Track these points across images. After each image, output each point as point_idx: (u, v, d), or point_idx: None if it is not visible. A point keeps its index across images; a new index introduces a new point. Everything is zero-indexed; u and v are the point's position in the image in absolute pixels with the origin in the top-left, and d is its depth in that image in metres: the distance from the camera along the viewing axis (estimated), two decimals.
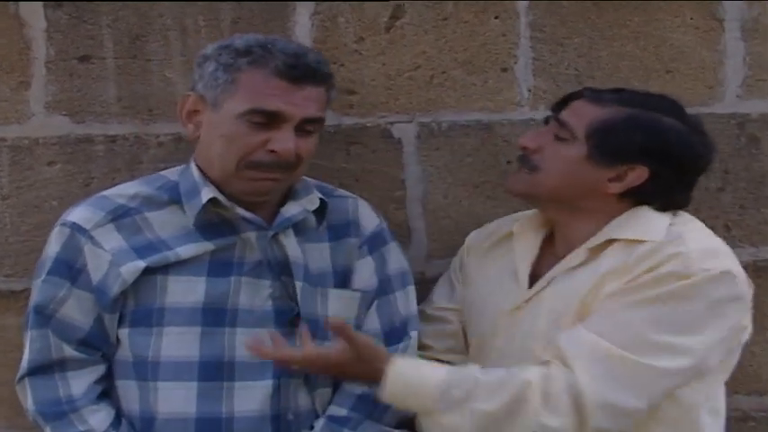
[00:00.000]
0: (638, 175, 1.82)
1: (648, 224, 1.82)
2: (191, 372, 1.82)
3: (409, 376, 1.74)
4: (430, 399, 1.72)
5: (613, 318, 1.73)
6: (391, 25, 2.20)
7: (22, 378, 1.88)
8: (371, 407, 1.91)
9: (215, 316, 1.83)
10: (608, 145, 1.81)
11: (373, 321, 1.96)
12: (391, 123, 2.22)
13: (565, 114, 1.86)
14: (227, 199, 1.85)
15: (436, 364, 1.80)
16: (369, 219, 2.01)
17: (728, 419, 2.23)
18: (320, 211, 1.93)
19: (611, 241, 1.83)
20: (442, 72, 2.21)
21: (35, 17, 2.18)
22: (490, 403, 1.69)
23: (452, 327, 2.04)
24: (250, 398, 1.83)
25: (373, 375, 1.75)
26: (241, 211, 1.85)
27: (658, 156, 1.80)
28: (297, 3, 2.19)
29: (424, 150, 2.21)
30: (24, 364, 1.88)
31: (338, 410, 1.91)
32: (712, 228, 2.19)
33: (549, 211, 1.93)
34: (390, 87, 2.21)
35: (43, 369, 1.86)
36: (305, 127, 1.83)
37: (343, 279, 1.94)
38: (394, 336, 1.96)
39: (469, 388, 1.71)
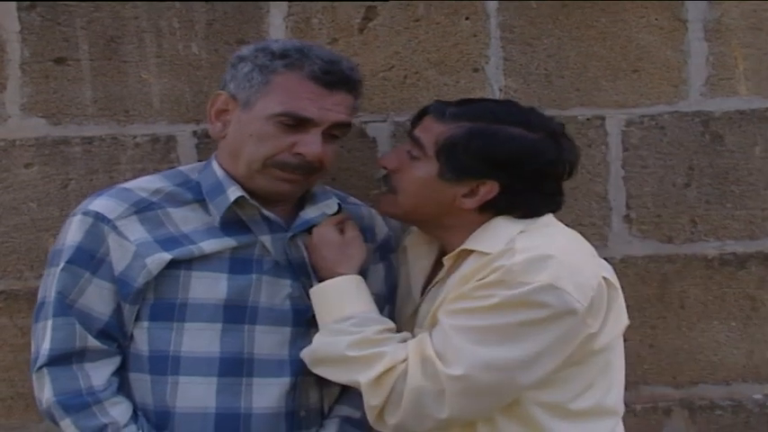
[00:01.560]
0: (488, 189, 1.81)
1: (494, 235, 1.81)
2: (211, 367, 1.83)
3: (345, 293, 1.83)
4: (332, 316, 1.81)
5: (438, 327, 1.76)
6: (364, 26, 2.24)
7: (40, 368, 1.84)
8: None
9: (236, 313, 1.85)
10: (455, 162, 1.80)
11: None
12: (366, 123, 2.25)
13: (417, 131, 1.87)
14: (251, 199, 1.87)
15: (369, 300, 1.85)
16: (381, 226, 2.06)
17: (696, 408, 2.33)
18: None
19: (467, 253, 1.83)
20: (415, 72, 2.25)
21: (8, 19, 2.19)
22: (351, 350, 1.76)
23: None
24: (268, 394, 1.85)
25: (329, 269, 1.86)
26: (264, 212, 1.87)
27: (503, 168, 1.79)
28: (270, 4, 2.22)
29: None
30: (44, 353, 1.83)
31: (353, 412, 1.94)
32: (678, 223, 2.30)
33: (422, 228, 1.96)
34: (365, 88, 2.23)
35: (63, 359, 1.83)
36: (332, 132, 1.87)
37: None
38: None
39: (357, 332, 1.77)
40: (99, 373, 1.84)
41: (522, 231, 1.80)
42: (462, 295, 1.75)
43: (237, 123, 1.87)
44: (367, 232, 2.01)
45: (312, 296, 1.85)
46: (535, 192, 1.82)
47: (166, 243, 1.84)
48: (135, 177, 2.01)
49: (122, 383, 1.88)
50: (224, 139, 1.91)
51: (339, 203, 1.97)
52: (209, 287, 1.84)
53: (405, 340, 1.79)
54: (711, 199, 2.31)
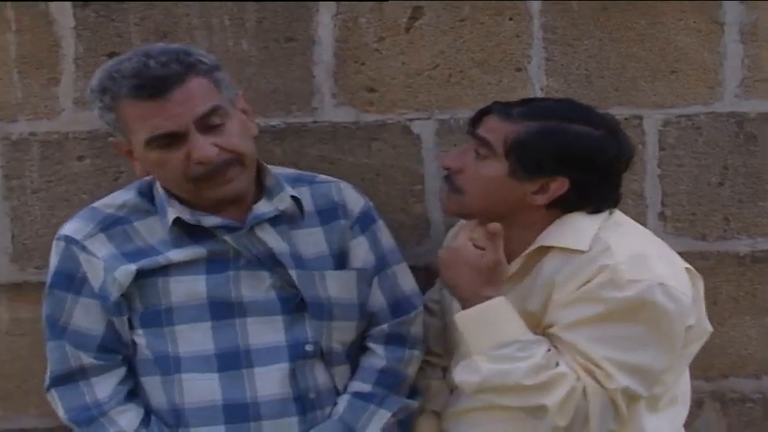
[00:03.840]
0: (559, 185, 1.84)
1: (575, 231, 1.85)
2: (210, 363, 1.88)
3: (499, 317, 1.81)
4: (491, 343, 1.79)
5: (573, 338, 1.79)
6: (410, 26, 2.29)
7: (48, 389, 1.94)
8: (393, 380, 1.99)
9: (222, 309, 1.88)
10: (525, 160, 1.83)
11: (377, 297, 2.02)
12: (411, 120, 2.30)
13: (481, 131, 1.89)
14: (197, 206, 1.88)
15: (521, 321, 1.82)
16: (354, 199, 2.05)
17: (727, 401, 2.39)
18: (299, 203, 1.96)
19: (545, 249, 1.87)
20: (460, 71, 2.30)
21: (64, 15, 2.23)
22: (527, 378, 1.76)
23: (434, 320, 2.12)
24: (271, 381, 1.88)
25: (473, 291, 1.82)
26: (208, 221, 1.88)
27: (574, 164, 1.83)
28: (320, 3, 2.26)
29: (442, 146, 2.30)
30: (49, 375, 1.93)
31: (362, 386, 1.98)
32: (711, 221, 2.36)
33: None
34: (410, 85, 2.29)
35: (66, 378, 1.92)
36: (207, 123, 1.79)
37: (340, 260, 1.99)
38: (400, 308, 2.04)
39: (525, 357, 1.77)
40: (103, 386, 1.91)
41: (600, 228, 1.85)
42: (576, 300, 1.79)
43: (141, 159, 1.86)
44: (338, 209, 2.02)
45: (461, 321, 1.85)
46: (601, 186, 1.88)
47: (132, 256, 1.88)
48: None
49: (134, 391, 1.94)
50: (149, 174, 1.90)
51: (293, 195, 1.94)
52: (188, 289, 1.88)
53: (559, 357, 1.80)
54: (744, 198, 2.37)
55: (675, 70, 2.33)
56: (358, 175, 2.26)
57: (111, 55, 2.23)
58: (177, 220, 1.88)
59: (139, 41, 2.24)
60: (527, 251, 1.89)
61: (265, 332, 1.89)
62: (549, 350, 1.80)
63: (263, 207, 1.92)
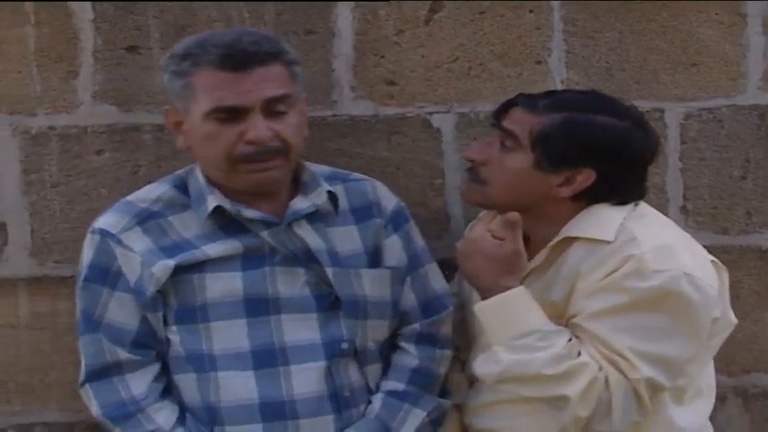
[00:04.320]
0: (585, 177, 1.84)
1: (601, 222, 1.84)
2: (245, 361, 1.86)
3: (518, 307, 1.80)
4: (511, 333, 1.78)
5: (597, 328, 1.78)
6: (430, 18, 2.27)
7: (83, 384, 1.92)
8: (426, 379, 1.98)
9: (257, 306, 1.87)
10: (551, 152, 1.82)
11: (409, 297, 2.01)
12: (430, 113, 2.29)
13: (507, 123, 1.88)
14: (235, 199, 1.88)
15: (540, 311, 1.82)
16: (388, 198, 2.05)
17: (750, 396, 2.37)
18: (335, 200, 1.97)
19: (570, 240, 1.86)
20: (479, 64, 2.29)
21: (83, 8, 2.23)
22: (547, 368, 1.76)
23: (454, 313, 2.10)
24: (307, 379, 1.88)
25: (492, 281, 1.81)
26: (247, 213, 1.88)
27: (600, 156, 1.82)
28: None
29: (462, 139, 2.29)
30: (83, 369, 1.91)
31: (396, 385, 1.97)
32: (733, 215, 2.34)
33: None
34: (429, 78, 2.28)
35: (101, 373, 1.90)
36: (273, 108, 1.82)
37: (374, 258, 1.98)
38: (431, 308, 2.03)
39: (546, 347, 1.76)
40: (139, 383, 1.89)
41: (625, 218, 1.84)
42: (599, 290, 1.78)
43: (189, 131, 1.87)
44: (373, 208, 2.02)
45: (481, 312, 1.84)
46: (627, 178, 1.87)
47: (170, 250, 1.87)
48: None
49: (168, 388, 1.92)
50: (191, 149, 1.91)
51: (329, 191, 1.95)
52: (224, 285, 1.87)
53: (581, 347, 1.79)
54: (766, 191, 2.35)
55: (697, 63, 2.31)
56: (378, 169, 2.25)
57: (129, 48, 2.24)
58: (216, 211, 1.87)
59: (158, 35, 2.23)
60: (552, 242, 1.88)
61: (300, 330, 1.89)
62: (571, 340, 1.79)
63: (301, 203, 1.92)
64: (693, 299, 1.76)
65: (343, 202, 1.99)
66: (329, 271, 1.91)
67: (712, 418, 2.03)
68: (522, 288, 1.82)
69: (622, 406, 1.76)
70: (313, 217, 1.94)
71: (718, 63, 2.32)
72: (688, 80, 2.31)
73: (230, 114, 1.81)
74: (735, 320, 1.95)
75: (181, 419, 1.89)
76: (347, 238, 1.97)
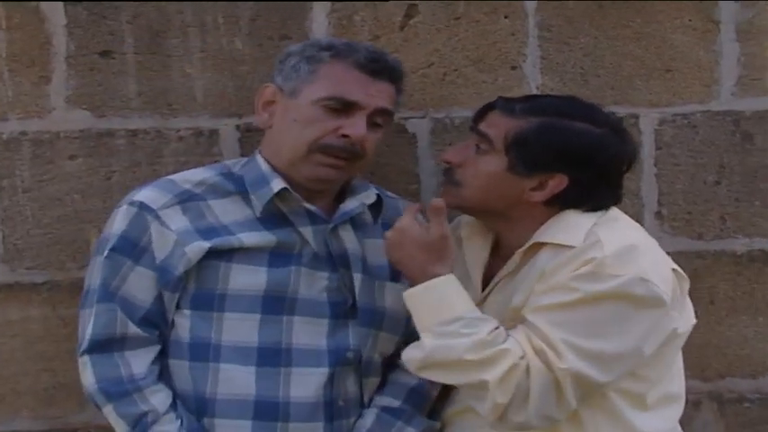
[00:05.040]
0: (558, 182, 1.85)
1: (570, 227, 1.84)
2: (249, 356, 1.87)
3: (445, 294, 1.80)
4: (437, 320, 1.79)
5: (535, 321, 1.78)
6: (405, 24, 2.27)
7: (82, 354, 1.89)
8: (422, 400, 1.98)
9: (275, 304, 1.88)
10: (525, 156, 1.83)
11: None
12: (406, 119, 2.28)
13: (483, 126, 1.90)
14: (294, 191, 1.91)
15: (468, 299, 1.83)
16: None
17: (725, 402, 2.38)
18: (376, 208, 2.00)
19: (540, 245, 1.86)
20: (455, 70, 2.29)
21: (55, 12, 2.21)
22: (469, 353, 1.75)
23: None
24: (306, 384, 1.88)
25: (422, 269, 1.82)
26: (306, 204, 1.91)
27: (574, 162, 1.83)
28: (314, 1, 2.24)
29: (437, 145, 2.28)
30: (86, 338, 1.88)
31: (392, 401, 1.97)
32: (708, 220, 2.34)
33: (483, 220, 1.99)
34: (404, 84, 2.27)
35: (104, 346, 1.87)
36: (375, 119, 1.92)
37: (396, 275, 1.98)
38: None
39: (470, 333, 1.76)
40: (139, 361, 1.88)
41: (595, 224, 1.84)
42: (555, 287, 1.78)
43: (284, 111, 1.93)
44: None
45: (408, 298, 1.85)
46: (601, 185, 1.87)
47: (206, 233, 1.88)
48: (178, 170, 2.05)
49: (162, 371, 1.91)
50: (270, 128, 1.96)
51: (378, 194, 2.01)
52: (248, 278, 1.87)
53: (508, 336, 1.79)
54: (741, 197, 2.35)
55: (671, 69, 2.32)
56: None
57: (103, 53, 2.22)
58: (277, 196, 1.88)
59: (132, 39, 2.22)
60: (522, 248, 1.88)
61: (309, 333, 1.89)
62: (497, 328, 1.79)
63: (351, 204, 1.96)
64: (643, 302, 1.75)
65: (382, 214, 2.02)
66: (357, 277, 1.93)
67: (687, 425, 2.04)
68: (450, 276, 1.82)
69: (539, 396, 1.75)
70: (355, 224, 1.97)
71: (692, 69, 2.32)
72: (662, 86, 2.32)
73: (343, 107, 1.88)
74: (693, 321, 1.94)
75: (174, 405, 1.88)
76: (377, 250, 1.98)
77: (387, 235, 1.90)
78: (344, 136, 1.88)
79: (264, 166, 1.95)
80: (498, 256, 1.96)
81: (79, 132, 2.23)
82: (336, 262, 1.93)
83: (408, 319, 1.95)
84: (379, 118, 1.93)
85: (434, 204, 1.85)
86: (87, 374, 1.89)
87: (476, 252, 1.99)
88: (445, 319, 1.78)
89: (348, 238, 1.96)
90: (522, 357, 1.75)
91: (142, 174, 2.21)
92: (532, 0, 2.28)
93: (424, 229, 1.85)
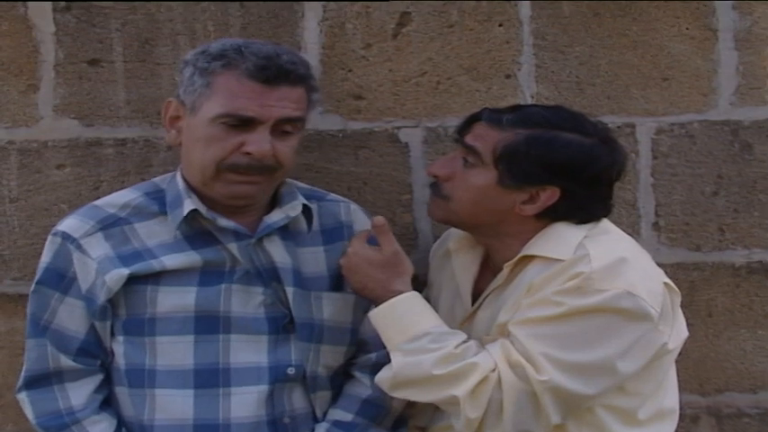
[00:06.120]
0: (549, 195, 1.82)
1: (561, 240, 1.82)
2: (186, 379, 1.83)
3: (409, 310, 1.80)
4: (403, 337, 1.77)
5: (518, 334, 1.75)
6: (398, 32, 2.24)
7: (20, 391, 1.88)
8: (376, 411, 1.94)
9: (207, 323, 1.84)
10: (515, 169, 1.80)
11: (369, 325, 1.95)
12: (398, 128, 2.25)
13: (470, 138, 1.86)
14: (210, 208, 1.85)
15: (434, 314, 1.82)
16: (362, 222, 2.02)
17: (723, 417, 2.34)
18: (309, 216, 1.94)
19: (529, 259, 1.84)
20: (448, 78, 2.25)
21: (44, 20, 2.19)
22: (437, 368, 1.73)
23: None
24: (246, 403, 1.84)
25: (383, 288, 1.81)
26: (222, 222, 1.85)
27: (565, 174, 1.80)
28: (305, 7, 2.22)
29: (430, 155, 2.25)
30: (22, 375, 1.88)
31: (344, 415, 1.93)
32: (706, 231, 2.30)
33: (473, 234, 1.95)
34: (397, 93, 2.25)
35: (40, 381, 1.87)
36: (282, 128, 1.83)
37: (338, 282, 1.95)
38: None
39: (437, 348, 1.74)
40: (79, 393, 1.86)
41: (586, 237, 1.81)
42: (540, 301, 1.75)
43: (188, 129, 1.86)
44: (344, 229, 1.99)
45: (374, 318, 1.83)
46: (592, 196, 1.84)
47: (127, 259, 1.84)
48: None
49: (109, 399, 1.89)
50: (180, 146, 1.89)
51: (305, 204, 1.93)
52: (176, 300, 1.83)
53: (479, 349, 1.77)
54: (740, 208, 2.32)
55: (668, 77, 2.28)
56: (344, 185, 2.22)
57: (92, 62, 2.20)
58: (188, 218, 1.84)
59: (121, 48, 2.20)
60: (511, 261, 1.84)
61: (248, 351, 1.85)
62: (466, 342, 1.76)
63: (275, 216, 1.90)
64: (630, 316, 1.72)
65: (315, 222, 1.96)
66: (289, 291, 1.88)
67: None
68: (413, 292, 1.82)
69: (515, 410, 1.72)
70: (285, 234, 1.91)
71: (690, 78, 2.29)
72: (659, 95, 2.28)
73: (240, 123, 1.80)
74: (685, 334, 1.90)
75: None
76: (313, 259, 1.94)
77: (340, 263, 1.89)
78: (248, 153, 1.80)
79: (181, 185, 1.89)
80: (489, 269, 1.93)
81: (67, 141, 2.21)
82: (266, 277, 1.88)
83: (354, 328, 1.92)
84: (286, 126, 1.83)
85: (376, 223, 1.85)
86: (27, 411, 1.88)
87: (465, 265, 1.96)
88: (411, 336, 1.77)
89: (275, 251, 1.89)
90: (492, 370, 1.72)
91: (131, 183, 2.17)
92: (527, 6, 2.25)
93: (376, 249, 1.84)
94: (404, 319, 1.79)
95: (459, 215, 1.87)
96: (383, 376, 1.80)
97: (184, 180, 1.89)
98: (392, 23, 2.24)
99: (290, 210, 1.91)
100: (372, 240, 1.89)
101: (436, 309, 1.95)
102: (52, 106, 2.20)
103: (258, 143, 1.79)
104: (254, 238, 1.87)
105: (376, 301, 1.83)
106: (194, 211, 1.84)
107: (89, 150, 2.21)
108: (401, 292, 1.81)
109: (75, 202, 2.19)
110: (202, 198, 1.86)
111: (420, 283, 2.07)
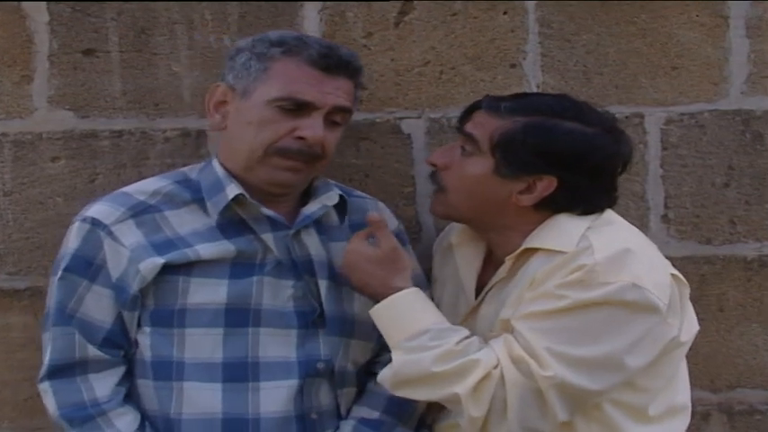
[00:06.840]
0: (546, 184, 1.77)
1: (563, 232, 1.77)
2: (215, 373, 1.80)
3: (410, 307, 1.76)
4: (404, 335, 1.73)
5: (521, 329, 1.71)
6: (400, 21, 2.20)
7: (42, 380, 1.83)
8: (401, 410, 1.90)
9: (238, 317, 1.81)
10: (511, 157, 1.76)
11: None
12: (400, 119, 2.21)
13: (469, 127, 1.83)
14: (251, 197, 1.83)
15: (435, 310, 1.79)
16: (389, 220, 2.01)
17: (735, 413, 2.29)
18: (341, 209, 1.93)
19: (531, 252, 1.79)
20: (451, 68, 2.21)
21: (38, 10, 2.15)
22: (437, 365, 1.69)
23: None
24: (275, 398, 1.81)
25: (382, 284, 1.77)
26: (264, 210, 1.83)
27: (562, 163, 1.75)
28: None
29: (433, 146, 2.20)
30: (45, 364, 1.83)
31: (370, 413, 1.90)
32: (717, 224, 2.25)
33: (475, 228, 1.91)
34: (399, 83, 2.20)
35: (64, 371, 1.82)
36: (333, 117, 1.84)
37: None
38: None
39: (437, 345, 1.70)
40: (103, 384, 1.82)
41: (589, 228, 1.76)
42: (542, 295, 1.70)
43: (236, 113, 1.85)
44: None
45: (375, 316, 1.79)
46: (593, 187, 1.79)
47: (161, 247, 1.80)
48: (164, 172, 1.99)
49: (131, 391, 1.85)
50: (224, 131, 1.88)
51: (341, 194, 1.92)
52: (208, 292, 1.80)
53: (482, 345, 1.73)
54: (751, 200, 2.26)
55: (678, 66, 2.23)
56: (346, 177, 2.17)
57: (87, 52, 2.16)
58: (231, 203, 1.81)
59: (117, 38, 2.16)
60: (513, 254, 1.80)
61: (277, 345, 1.82)
62: (468, 338, 1.72)
63: (312, 207, 1.89)
64: (636, 308, 1.67)
65: (346, 216, 1.94)
66: (322, 284, 1.86)
67: None
68: (413, 289, 1.78)
69: (520, 407, 1.68)
70: (319, 227, 1.90)
71: (700, 66, 2.24)
72: (668, 84, 2.23)
73: (297, 108, 1.80)
74: (696, 328, 1.85)
75: (141, 427, 1.82)
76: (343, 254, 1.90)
77: (341, 262, 1.85)
78: (301, 138, 1.80)
79: (220, 171, 1.87)
80: (491, 263, 1.88)
81: (62, 133, 2.17)
82: (301, 269, 1.86)
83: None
84: (337, 116, 1.85)
85: (371, 219, 1.82)
86: (49, 401, 1.82)
87: (468, 259, 1.92)
88: (412, 333, 1.73)
89: (312, 243, 1.88)
90: (495, 367, 1.68)
91: (127, 176, 2.14)
92: None
93: (374, 246, 1.81)
94: (404, 317, 1.75)
95: (458, 209, 1.83)
96: (385, 375, 1.76)
97: (223, 167, 1.86)
98: (394, 12, 2.19)
99: (327, 200, 1.90)
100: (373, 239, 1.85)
101: (441, 305, 1.91)
102: (47, 97, 2.16)
103: (313, 128, 1.80)
104: (293, 229, 1.85)
105: (377, 299, 1.79)
106: (236, 197, 1.81)
107: (84, 142, 2.17)
108: (401, 289, 1.76)
109: (71, 195, 2.15)
110: (244, 184, 1.84)
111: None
